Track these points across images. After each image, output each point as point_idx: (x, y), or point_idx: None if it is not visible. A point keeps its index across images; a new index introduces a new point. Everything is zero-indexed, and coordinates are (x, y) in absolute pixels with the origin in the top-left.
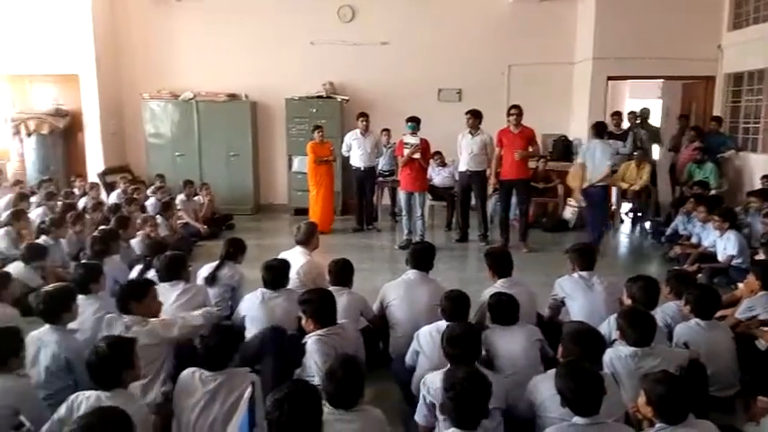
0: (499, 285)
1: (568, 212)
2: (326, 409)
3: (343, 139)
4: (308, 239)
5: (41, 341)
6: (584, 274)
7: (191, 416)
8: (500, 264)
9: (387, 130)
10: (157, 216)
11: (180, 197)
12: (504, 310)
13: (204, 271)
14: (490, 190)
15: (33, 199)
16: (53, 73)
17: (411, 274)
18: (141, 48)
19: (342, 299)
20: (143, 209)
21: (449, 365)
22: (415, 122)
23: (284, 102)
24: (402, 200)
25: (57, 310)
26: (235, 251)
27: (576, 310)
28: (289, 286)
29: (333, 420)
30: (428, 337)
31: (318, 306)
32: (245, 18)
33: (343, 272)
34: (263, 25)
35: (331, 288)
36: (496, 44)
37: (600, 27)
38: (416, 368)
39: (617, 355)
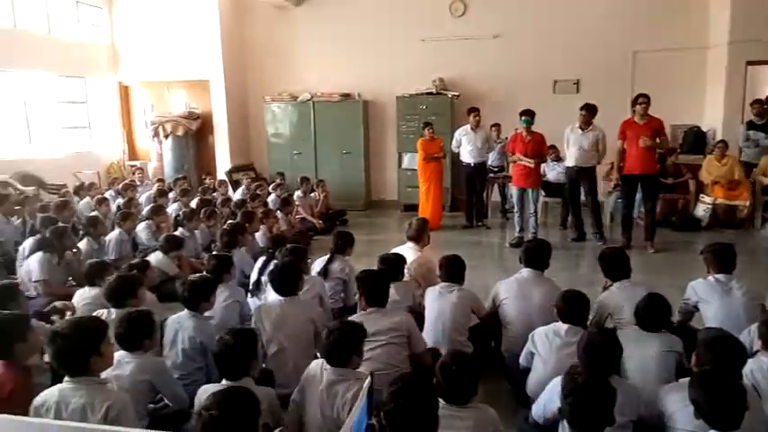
0: (615, 288)
1: (701, 210)
2: (440, 403)
3: (453, 135)
4: (419, 235)
5: (180, 325)
6: (720, 277)
7: (316, 404)
8: (615, 265)
9: (497, 124)
10: (277, 211)
11: (297, 193)
12: (651, 313)
13: (317, 265)
14: (609, 186)
15: (170, 195)
16: (187, 79)
17: (525, 272)
18: (264, 54)
19: (452, 295)
20: (265, 204)
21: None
22: (529, 116)
23: (395, 99)
24: (514, 196)
25: (197, 298)
26: (343, 244)
27: (711, 315)
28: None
29: (446, 416)
30: (544, 339)
31: (370, 286)
32: (359, 20)
33: (454, 268)
34: (375, 26)
35: (442, 284)
36: (620, 30)
37: (737, 7)
38: (531, 370)
39: (759, 367)
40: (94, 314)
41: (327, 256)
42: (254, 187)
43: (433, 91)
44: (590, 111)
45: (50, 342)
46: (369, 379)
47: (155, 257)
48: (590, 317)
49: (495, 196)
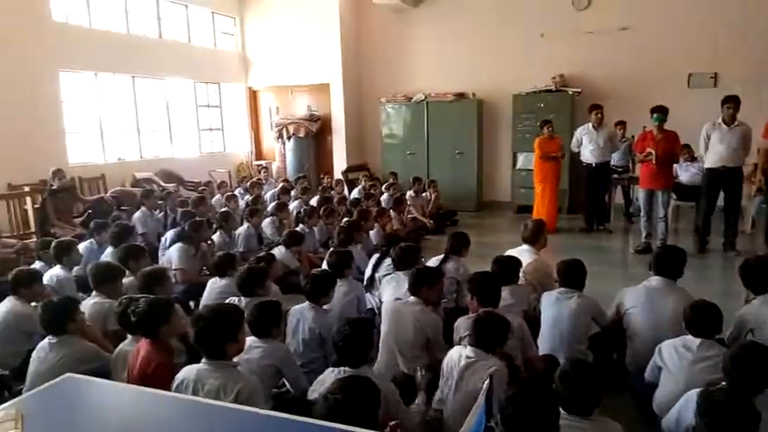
0: (758, 302)
1: None
2: (561, 413)
3: (572, 133)
4: (535, 238)
5: (302, 315)
6: None
7: (451, 387)
8: (758, 276)
9: (622, 122)
10: (390, 210)
11: (409, 193)
12: None
13: (431, 264)
14: (752, 189)
15: (291, 193)
16: (309, 83)
17: (654, 280)
18: (381, 56)
19: (571, 301)
20: (378, 203)
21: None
22: (662, 113)
23: (511, 98)
24: (641, 198)
25: (318, 292)
26: (459, 245)
27: None
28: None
29: (566, 426)
30: (673, 353)
31: (482, 288)
32: (476, 16)
33: (574, 273)
34: (492, 22)
35: (560, 289)
36: (765, 17)
37: None
38: (658, 385)
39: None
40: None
41: (442, 255)
42: (368, 187)
43: (553, 88)
44: (737, 104)
45: (194, 324)
46: (488, 381)
47: (278, 251)
48: (726, 331)
49: (618, 198)
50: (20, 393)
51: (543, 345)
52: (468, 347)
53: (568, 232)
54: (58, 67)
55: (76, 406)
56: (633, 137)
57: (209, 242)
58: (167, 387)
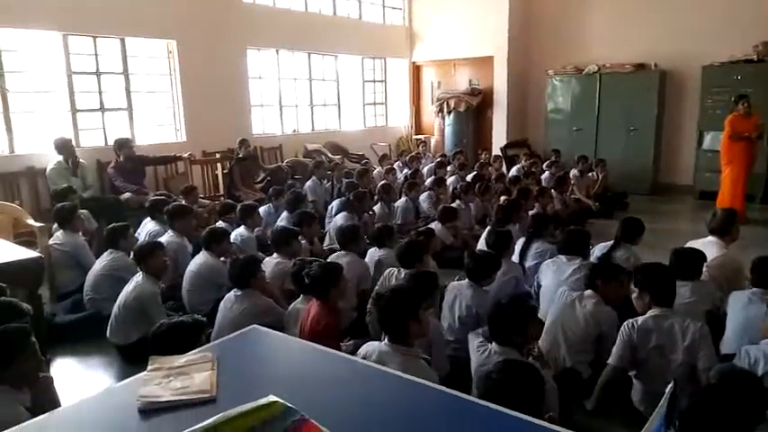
0: None
1: None
2: None
3: None
4: (725, 229)
5: (460, 292)
6: None
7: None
8: None
9: None
10: (552, 190)
11: (573, 172)
12: None
13: (597, 251)
14: None
15: (448, 168)
16: (472, 56)
17: None
18: (551, 25)
19: (764, 304)
20: (539, 182)
21: None
22: None
23: (700, 69)
24: None
25: (482, 273)
26: (632, 232)
27: None
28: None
29: None
30: None
31: (656, 282)
32: None
33: None
34: None
35: (753, 290)
36: None
37: None
38: None
39: None
40: (387, 271)
41: (611, 242)
42: (528, 164)
43: (754, 58)
44: None
45: (374, 304)
46: (671, 385)
47: (435, 226)
48: None
49: None
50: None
51: (728, 349)
52: None
53: (763, 224)
54: (246, 44)
55: (261, 354)
56: None
57: (370, 212)
58: (335, 346)
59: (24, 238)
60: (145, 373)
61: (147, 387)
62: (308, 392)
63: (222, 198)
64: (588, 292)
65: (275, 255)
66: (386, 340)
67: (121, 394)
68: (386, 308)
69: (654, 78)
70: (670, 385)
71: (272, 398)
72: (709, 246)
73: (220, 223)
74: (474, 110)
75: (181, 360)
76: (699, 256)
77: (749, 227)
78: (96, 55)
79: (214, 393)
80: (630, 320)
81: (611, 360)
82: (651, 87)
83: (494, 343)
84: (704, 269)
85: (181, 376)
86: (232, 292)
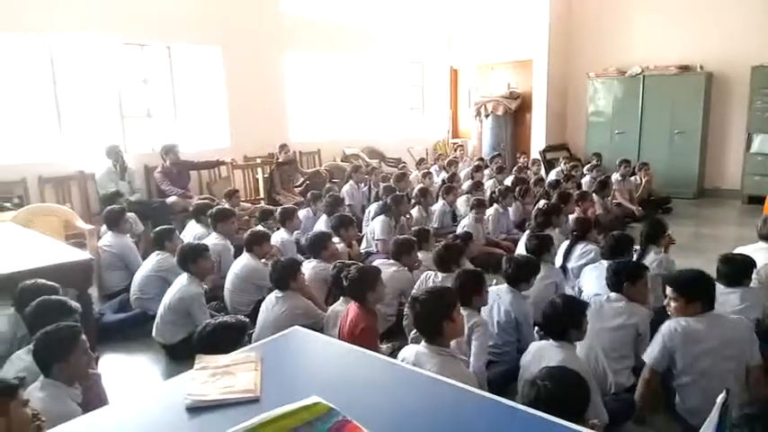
0: None
1: None
2: None
3: None
4: None
5: (499, 297)
6: None
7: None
8: None
9: None
10: (593, 194)
11: (615, 176)
12: None
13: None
14: None
15: (486, 172)
16: (511, 60)
17: None
18: (592, 27)
19: None
20: (579, 186)
21: None
22: None
23: (749, 71)
24: None
25: (520, 277)
26: (654, 233)
27: None
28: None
29: None
30: None
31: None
32: None
33: None
34: None
35: None
36: None
37: None
38: None
39: None
40: (423, 275)
41: (639, 248)
42: (568, 168)
43: None
44: None
45: (410, 307)
46: (724, 394)
47: (469, 226)
48: None
49: None
50: (251, 337)
51: None
52: None
53: None
54: (286, 51)
55: (302, 355)
56: None
57: (407, 216)
58: (372, 348)
59: (75, 239)
60: (192, 371)
61: (194, 385)
62: (348, 394)
63: (263, 201)
64: (613, 295)
65: (312, 258)
66: (423, 342)
67: (170, 392)
68: (421, 310)
69: (700, 80)
70: (722, 395)
71: (316, 398)
72: (759, 252)
73: (260, 227)
74: (512, 113)
75: (226, 359)
76: (748, 262)
77: None
78: (144, 62)
79: (258, 393)
80: (672, 322)
81: (647, 360)
82: (697, 89)
83: (551, 341)
84: (754, 276)
85: (227, 375)
86: (273, 294)
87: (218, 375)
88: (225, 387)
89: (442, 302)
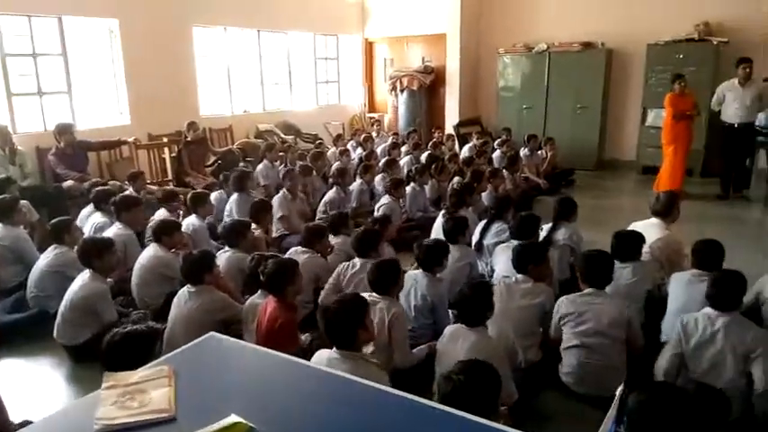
0: None
1: None
2: None
3: (714, 89)
4: (667, 211)
5: (416, 282)
6: None
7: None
8: None
9: None
10: (503, 170)
11: (523, 151)
12: None
13: (544, 232)
14: None
15: (402, 149)
16: (425, 33)
17: None
18: (503, 3)
19: (704, 284)
20: (490, 161)
21: None
22: None
23: (645, 48)
24: None
25: (432, 262)
26: (566, 211)
27: None
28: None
29: None
30: None
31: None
32: None
33: (710, 255)
34: None
35: (693, 271)
36: None
37: None
38: None
39: None
40: (341, 265)
41: (550, 224)
42: (479, 143)
43: (695, 37)
44: None
45: (321, 316)
46: (621, 387)
47: (385, 201)
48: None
49: (762, 163)
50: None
51: (668, 329)
52: None
53: (701, 199)
54: (192, 23)
55: (219, 365)
56: None
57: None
58: (292, 343)
59: None
60: (100, 391)
61: (103, 408)
62: (267, 404)
63: (171, 183)
64: (520, 276)
65: (227, 248)
66: (334, 348)
67: (76, 417)
68: (332, 320)
69: (600, 57)
70: (620, 388)
71: (235, 418)
72: (651, 227)
73: (162, 210)
74: (427, 88)
75: (137, 376)
76: (638, 237)
77: (689, 202)
78: (32, 36)
79: (173, 412)
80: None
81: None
82: (598, 66)
83: (463, 326)
84: (646, 249)
85: (138, 394)
86: (185, 288)
87: (129, 394)
88: (137, 408)
89: (354, 311)
